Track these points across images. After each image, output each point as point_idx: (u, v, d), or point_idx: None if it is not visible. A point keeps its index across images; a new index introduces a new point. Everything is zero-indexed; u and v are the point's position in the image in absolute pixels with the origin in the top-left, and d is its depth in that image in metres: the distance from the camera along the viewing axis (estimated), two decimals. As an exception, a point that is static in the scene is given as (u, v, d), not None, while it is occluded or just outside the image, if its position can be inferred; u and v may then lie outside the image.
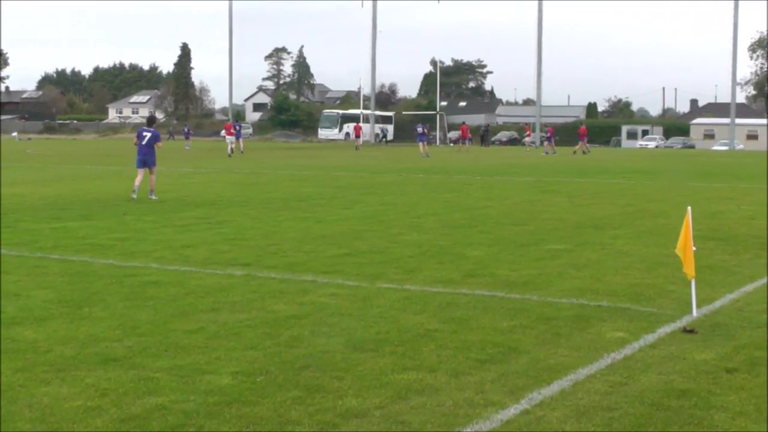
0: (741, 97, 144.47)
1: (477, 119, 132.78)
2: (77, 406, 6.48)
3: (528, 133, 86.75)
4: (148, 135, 24.43)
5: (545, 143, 74.39)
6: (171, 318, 9.34)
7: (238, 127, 65.09)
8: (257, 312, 9.63)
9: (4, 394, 6.75)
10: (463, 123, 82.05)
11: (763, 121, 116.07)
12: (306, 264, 12.88)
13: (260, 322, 9.13)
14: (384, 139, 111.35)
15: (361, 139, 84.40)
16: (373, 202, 23.65)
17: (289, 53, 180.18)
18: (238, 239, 15.63)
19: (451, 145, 72.58)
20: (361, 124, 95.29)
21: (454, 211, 21.15)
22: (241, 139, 65.07)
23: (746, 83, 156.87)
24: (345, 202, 23.36)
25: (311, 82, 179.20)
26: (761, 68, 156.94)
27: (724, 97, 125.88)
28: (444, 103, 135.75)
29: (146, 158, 24.28)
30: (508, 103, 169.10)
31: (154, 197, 23.78)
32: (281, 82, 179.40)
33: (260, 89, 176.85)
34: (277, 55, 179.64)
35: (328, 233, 16.57)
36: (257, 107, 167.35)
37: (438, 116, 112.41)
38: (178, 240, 15.49)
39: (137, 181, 24.03)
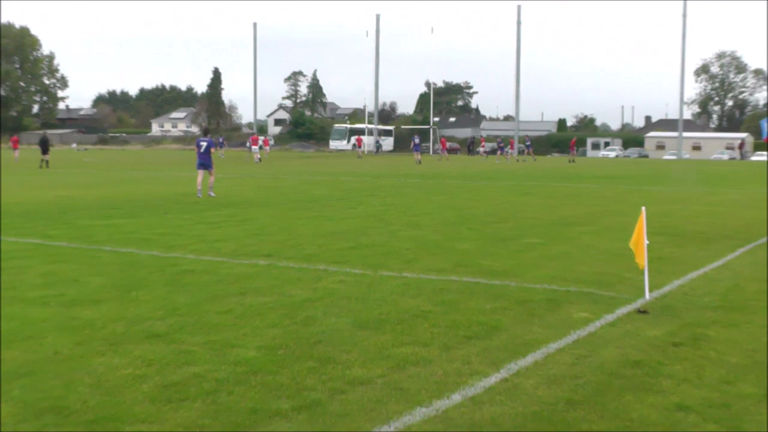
0: (687, 114, 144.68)
1: (464, 132, 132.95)
2: (127, 374, 6.52)
3: (483, 143, 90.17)
4: (205, 144, 25.47)
5: (498, 152, 73.66)
6: (205, 301, 9.34)
7: (262, 140, 67.10)
8: (278, 296, 9.63)
9: (66, 364, 6.80)
10: (441, 137, 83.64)
11: (706, 134, 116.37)
12: (319, 255, 12.88)
13: (280, 305, 9.12)
14: (380, 149, 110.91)
15: (361, 149, 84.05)
16: (376, 203, 23.62)
17: (304, 76, 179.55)
18: (260, 234, 15.62)
19: (443, 153, 71.99)
20: (362, 137, 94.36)
21: (446, 210, 21.12)
22: (265, 149, 67.34)
23: (691, 102, 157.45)
24: (351, 203, 23.30)
25: (323, 100, 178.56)
26: (704, 90, 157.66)
27: (674, 114, 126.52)
28: (436, 119, 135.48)
29: (204, 162, 25.24)
30: (491, 119, 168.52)
31: (212, 194, 25.07)
32: (298, 100, 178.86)
33: (280, 107, 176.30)
34: (294, 77, 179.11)
35: (338, 229, 16.54)
36: (278, 122, 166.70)
37: (431, 130, 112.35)
38: (210, 235, 15.49)
39: (198, 181, 25.15)
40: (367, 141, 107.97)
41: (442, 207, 22.30)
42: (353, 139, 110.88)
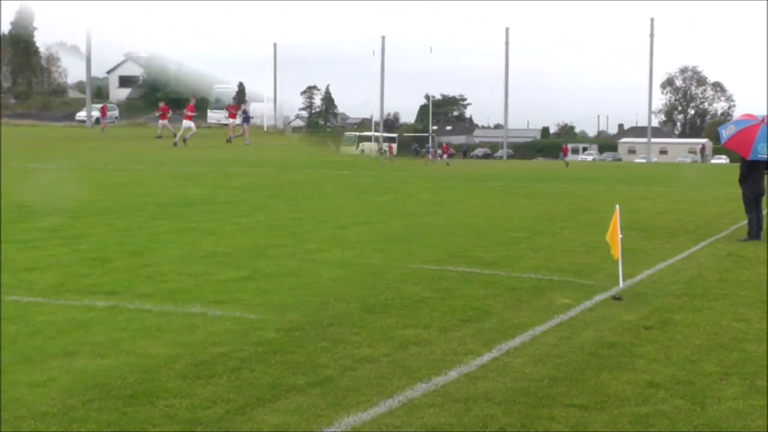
0: (655, 122, 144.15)
1: (459, 139, 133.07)
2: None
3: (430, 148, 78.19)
4: None
5: (443, 157, 70.35)
6: (8, 366, 5.79)
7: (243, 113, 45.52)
8: (126, 356, 6.13)
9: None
10: (427, 144, 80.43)
11: (671, 140, 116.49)
12: (192, 291, 8.41)
13: (128, 370, 5.78)
14: (384, 154, 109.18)
15: (388, 153, 66.00)
16: (283, 207, 17.14)
17: (318, 89, 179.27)
18: (100, 259, 10.12)
19: (441, 159, 70.34)
20: (392, 144, 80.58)
21: (391, 218, 20.92)
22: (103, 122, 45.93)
23: (659, 112, 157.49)
24: (245, 208, 16.59)
25: (335, 111, 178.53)
26: (669, 101, 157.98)
27: (643, 122, 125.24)
28: (434, 127, 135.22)
29: None
30: (483, 127, 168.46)
31: None
32: (313, 111, 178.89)
33: (297, 117, 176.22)
34: (309, 91, 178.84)
35: (222, 249, 11.18)
36: (124, 81, 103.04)
37: (430, 137, 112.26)
38: (18, 261, 9.78)
39: None
40: (372, 146, 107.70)
41: (384, 213, 17.19)
42: (361, 145, 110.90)
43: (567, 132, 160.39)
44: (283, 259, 10.55)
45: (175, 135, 41.06)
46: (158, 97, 75.43)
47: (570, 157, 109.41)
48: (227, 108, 49.06)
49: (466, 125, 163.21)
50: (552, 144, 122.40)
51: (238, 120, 45.15)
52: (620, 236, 9.49)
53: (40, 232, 12.17)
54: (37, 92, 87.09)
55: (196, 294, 8.31)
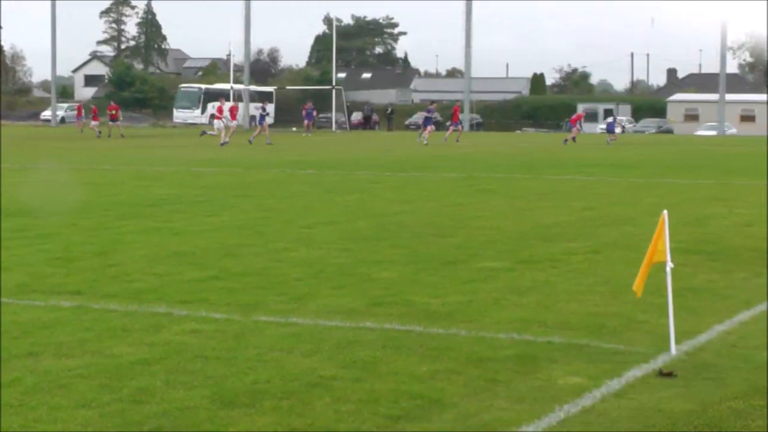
0: (733, 66, 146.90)
1: (386, 96, 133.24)
2: None
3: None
4: None
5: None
6: None
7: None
8: (92, 356, 9.37)
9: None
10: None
11: (762, 97, 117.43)
12: (158, 291, 12.61)
13: (96, 371, 8.86)
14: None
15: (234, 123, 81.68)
16: (249, 207, 23.67)
17: (133, 8, 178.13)
18: (65, 259, 15.15)
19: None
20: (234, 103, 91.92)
21: (358, 218, 21.21)
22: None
23: (739, 48, 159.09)
24: (211, 208, 23.30)
25: (163, 46, 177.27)
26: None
27: (711, 67, 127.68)
28: (342, 75, 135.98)
29: None
30: (428, 75, 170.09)
31: None
32: (123, 46, 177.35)
33: (94, 56, 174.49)
34: (116, 10, 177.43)
35: (188, 249, 16.35)
36: (90, 80, 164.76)
37: (334, 92, 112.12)
38: None
39: None
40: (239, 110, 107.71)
41: (351, 213, 22.38)
42: (210, 106, 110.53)
43: (577, 83, 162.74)
44: (249, 259, 15.48)
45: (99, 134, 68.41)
46: (124, 96, 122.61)
47: (584, 127, 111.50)
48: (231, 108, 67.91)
49: (398, 71, 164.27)
50: (551, 104, 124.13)
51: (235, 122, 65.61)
52: (671, 264, 9.65)
53: (4, 231, 17.89)
54: (4, 92, 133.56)
55: (161, 294, 12.53)
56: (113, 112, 76.96)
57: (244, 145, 59.42)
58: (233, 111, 75.06)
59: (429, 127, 65.54)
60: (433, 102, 72.06)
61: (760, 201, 24.95)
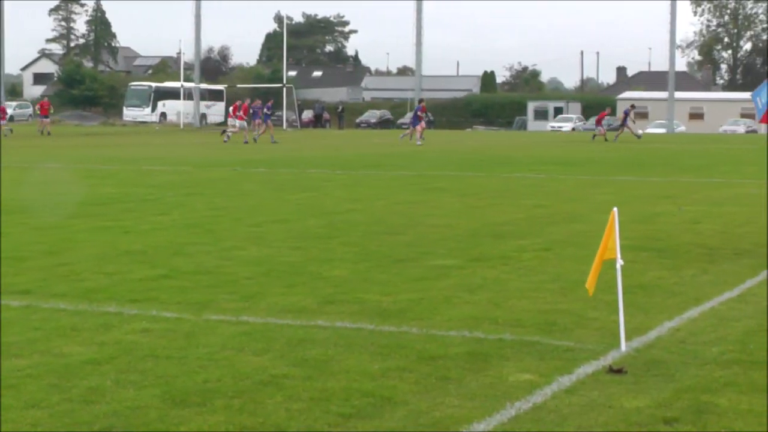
0: (682, 64, 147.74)
1: (337, 94, 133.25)
2: None
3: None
4: None
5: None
6: None
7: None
8: (41, 356, 9.38)
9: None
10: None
11: (711, 95, 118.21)
12: (108, 290, 12.62)
13: (45, 371, 8.87)
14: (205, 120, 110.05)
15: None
16: (200, 205, 23.67)
17: (82, 5, 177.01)
18: (13, 258, 14.99)
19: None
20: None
21: (308, 217, 21.18)
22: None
23: (688, 46, 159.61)
24: (161, 206, 23.32)
25: (113, 44, 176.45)
26: (707, 26, 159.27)
27: (660, 64, 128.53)
28: (293, 73, 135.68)
29: None
30: (379, 73, 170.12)
31: None
32: (72, 44, 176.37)
33: (43, 54, 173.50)
34: (66, 7, 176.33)
35: (139, 248, 16.35)
36: (39, 78, 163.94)
37: (285, 90, 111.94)
38: None
39: None
40: (190, 109, 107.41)
41: (301, 211, 22.39)
42: (160, 105, 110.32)
43: (527, 81, 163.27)
44: (200, 257, 15.53)
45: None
46: (73, 94, 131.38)
47: (533, 125, 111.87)
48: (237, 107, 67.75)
49: (349, 69, 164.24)
50: (501, 102, 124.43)
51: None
52: (620, 261, 9.69)
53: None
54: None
55: (111, 293, 12.55)
56: (45, 107, 77.47)
57: (219, 144, 59.32)
58: (244, 110, 74.80)
59: (419, 126, 62.45)
60: (422, 100, 69.35)
61: (709, 198, 25.16)
